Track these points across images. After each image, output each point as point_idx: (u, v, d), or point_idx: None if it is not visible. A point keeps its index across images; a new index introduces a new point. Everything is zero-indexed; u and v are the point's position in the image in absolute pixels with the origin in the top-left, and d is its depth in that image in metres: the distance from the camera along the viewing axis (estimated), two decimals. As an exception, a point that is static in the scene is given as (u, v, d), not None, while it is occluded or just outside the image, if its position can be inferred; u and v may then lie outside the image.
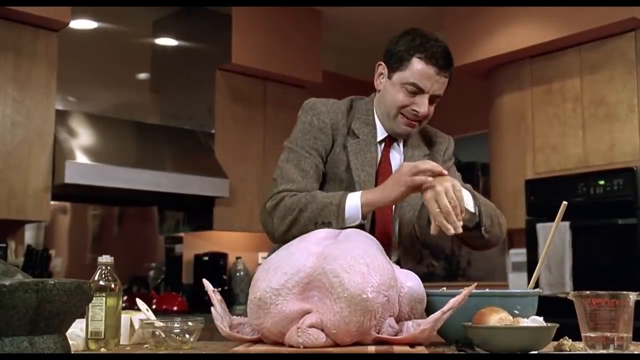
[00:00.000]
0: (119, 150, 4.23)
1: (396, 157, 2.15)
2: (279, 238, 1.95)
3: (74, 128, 4.11)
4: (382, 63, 2.11)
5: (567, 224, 4.13)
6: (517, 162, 4.72)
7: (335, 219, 1.90)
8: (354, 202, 1.92)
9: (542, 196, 4.40)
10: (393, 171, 2.09)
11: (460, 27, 4.94)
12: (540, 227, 4.28)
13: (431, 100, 2.05)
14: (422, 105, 2.03)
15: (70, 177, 3.80)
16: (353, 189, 2.02)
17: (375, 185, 2.05)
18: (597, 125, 4.34)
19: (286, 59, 4.97)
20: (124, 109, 4.50)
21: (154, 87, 4.79)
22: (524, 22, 4.59)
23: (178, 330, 1.69)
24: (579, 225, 4.12)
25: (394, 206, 2.09)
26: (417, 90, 2.03)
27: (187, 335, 1.69)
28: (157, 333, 1.68)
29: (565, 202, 1.77)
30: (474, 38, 4.84)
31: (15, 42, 3.88)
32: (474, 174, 5.58)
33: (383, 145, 2.14)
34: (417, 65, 2.01)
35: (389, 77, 2.08)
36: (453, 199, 1.80)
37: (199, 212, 4.73)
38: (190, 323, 1.70)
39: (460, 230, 1.80)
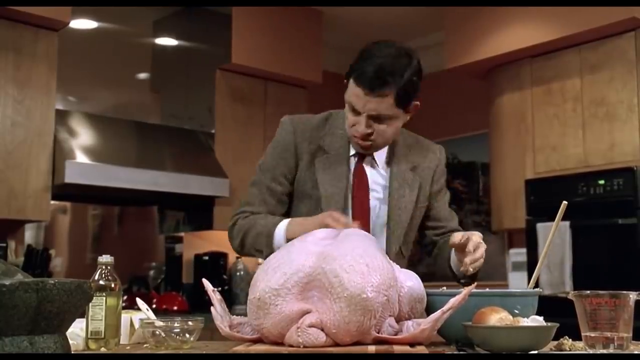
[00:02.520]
0: (119, 150, 4.23)
1: (372, 170, 2.15)
2: (239, 254, 2.15)
3: (74, 128, 4.11)
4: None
5: (567, 223, 4.13)
6: (517, 162, 4.72)
7: (265, 248, 2.03)
8: (280, 231, 2.02)
9: (542, 196, 4.40)
10: (369, 184, 2.12)
11: (460, 27, 4.94)
12: (540, 226, 4.28)
13: (376, 119, 2.00)
14: (359, 125, 2.02)
15: (71, 177, 3.80)
16: (320, 205, 2.07)
17: (352, 199, 2.10)
18: (597, 125, 4.34)
19: (286, 59, 4.97)
20: (124, 108, 4.50)
21: (154, 87, 4.79)
22: (524, 22, 4.59)
23: (178, 330, 1.69)
24: (579, 225, 4.12)
25: (378, 207, 2.13)
26: (354, 111, 2.01)
27: (187, 335, 1.69)
28: (157, 333, 1.68)
29: (565, 202, 1.77)
30: (474, 38, 4.84)
31: (15, 42, 3.88)
32: (474, 173, 5.58)
33: (357, 158, 2.14)
34: (351, 84, 2.00)
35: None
36: (482, 255, 1.91)
37: (199, 212, 4.73)
38: (190, 323, 1.71)
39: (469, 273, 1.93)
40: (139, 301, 1.93)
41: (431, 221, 2.24)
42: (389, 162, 2.16)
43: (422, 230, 2.26)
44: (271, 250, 1.96)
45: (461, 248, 1.92)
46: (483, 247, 1.91)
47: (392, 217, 2.12)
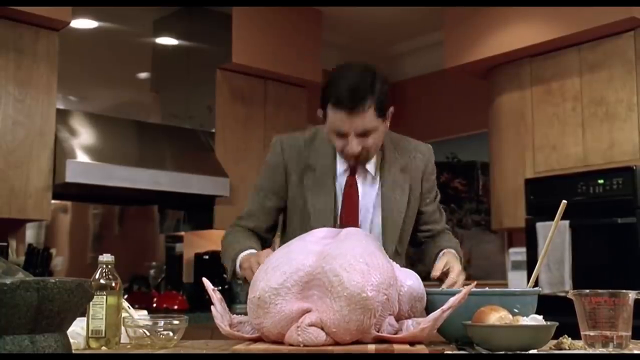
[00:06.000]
0: (119, 150, 4.23)
1: (364, 180, 2.22)
2: None
3: (75, 127, 4.12)
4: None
5: (566, 223, 4.13)
6: (517, 161, 4.72)
7: (229, 270, 2.16)
8: (236, 261, 2.11)
9: (542, 195, 4.41)
10: (360, 196, 2.19)
11: (460, 27, 4.94)
12: (539, 226, 4.29)
13: (363, 135, 2.06)
14: (351, 147, 2.07)
15: (71, 176, 3.80)
16: (310, 220, 2.16)
17: (340, 211, 2.18)
18: (597, 124, 4.35)
19: (286, 58, 4.97)
20: (125, 108, 4.50)
21: (154, 86, 4.79)
22: (524, 22, 4.59)
23: (162, 328, 1.70)
24: (578, 224, 4.12)
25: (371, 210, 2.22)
26: (341, 135, 2.07)
27: (171, 333, 1.70)
28: (140, 331, 1.69)
29: (564, 201, 1.77)
30: (474, 37, 4.84)
31: (16, 42, 3.88)
32: (474, 173, 5.58)
33: (347, 173, 2.21)
34: (330, 112, 2.05)
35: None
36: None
37: (199, 211, 4.74)
38: (175, 322, 1.72)
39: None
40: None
41: (420, 224, 2.33)
42: (381, 167, 2.23)
43: (413, 230, 2.34)
44: (231, 276, 2.15)
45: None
46: (459, 284, 2.00)
47: (386, 221, 2.20)
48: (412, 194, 2.25)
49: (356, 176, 2.21)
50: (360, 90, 2.01)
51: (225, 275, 4.79)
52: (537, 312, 1.62)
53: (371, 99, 2.02)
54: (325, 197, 2.18)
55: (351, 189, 2.20)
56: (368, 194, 2.21)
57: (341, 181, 2.21)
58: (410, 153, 2.28)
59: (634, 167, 4.02)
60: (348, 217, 2.18)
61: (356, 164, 2.17)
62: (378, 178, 2.22)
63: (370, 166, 2.21)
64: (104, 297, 1.72)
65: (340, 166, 2.21)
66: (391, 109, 2.11)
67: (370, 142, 2.07)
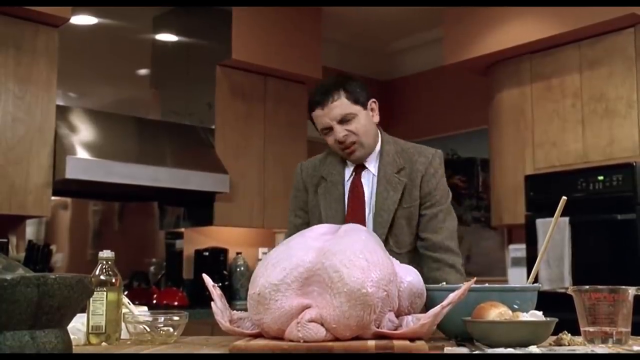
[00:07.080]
0: (119, 146, 4.23)
1: (367, 181, 2.38)
2: None
3: (75, 123, 4.11)
4: None
5: (566, 219, 4.13)
6: (516, 158, 4.73)
7: None
8: None
9: (542, 191, 4.41)
10: (365, 193, 2.36)
11: (460, 23, 4.94)
12: (539, 222, 4.29)
13: (344, 122, 2.29)
14: (336, 134, 2.30)
15: (71, 172, 3.80)
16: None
17: (346, 214, 2.34)
18: (597, 120, 4.35)
19: (286, 54, 4.96)
20: (125, 104, 4.50)
21: (154, 83, 4.79)
22: (524, 18, 4.59)
23: (162, 324, 1.70)
24: (578, 220, 4.12)
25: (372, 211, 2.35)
26: (327, 129, 2.32)
27: (171, 329, 1.70)
28: (141, 327, 1.69)
29: (564, 197, 1.77)
30: (474, 34, 4.84)
31: (16, 38, 3.88)
32: (474, 169, 5.58)
33: (354, 174, 2.39)
34: (314, 116, 2.34)
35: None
36: None
37: (199, 208, 4.74)
38: (175, 318, 1.72)
39: None
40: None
41: (420, 230, 2.38)
42: (378, 168, 2.37)
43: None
44: None
45: None
46: None
47: (375, 218, 2.32)
48: (407, 192, 2.33)
49: (362, 179, 2.37)
50: (328, 87, 2.30)
51: (225, 272, 4.81)
52: (537, 308, 1.62)
53: (340, 90, 2.28)
54: (336, 204, 2.35)
55: (356, 189, 2.35)
56: (370, 192, 2.36)
57: (345, 188, 2.38)
58: (413, 156, 2.38)
59: (634, 164, 4.02)
60: (354, 216, 2.30)
61: (353, 155, 2.33)
62: (374, 177, 2.37)
63: (373, 167, 2.36)
64: (104, 293, 1.72)
65: (348, 173, 2.39)
66: (372, 100, 2.36)
67: (353, 128, 2.29)
